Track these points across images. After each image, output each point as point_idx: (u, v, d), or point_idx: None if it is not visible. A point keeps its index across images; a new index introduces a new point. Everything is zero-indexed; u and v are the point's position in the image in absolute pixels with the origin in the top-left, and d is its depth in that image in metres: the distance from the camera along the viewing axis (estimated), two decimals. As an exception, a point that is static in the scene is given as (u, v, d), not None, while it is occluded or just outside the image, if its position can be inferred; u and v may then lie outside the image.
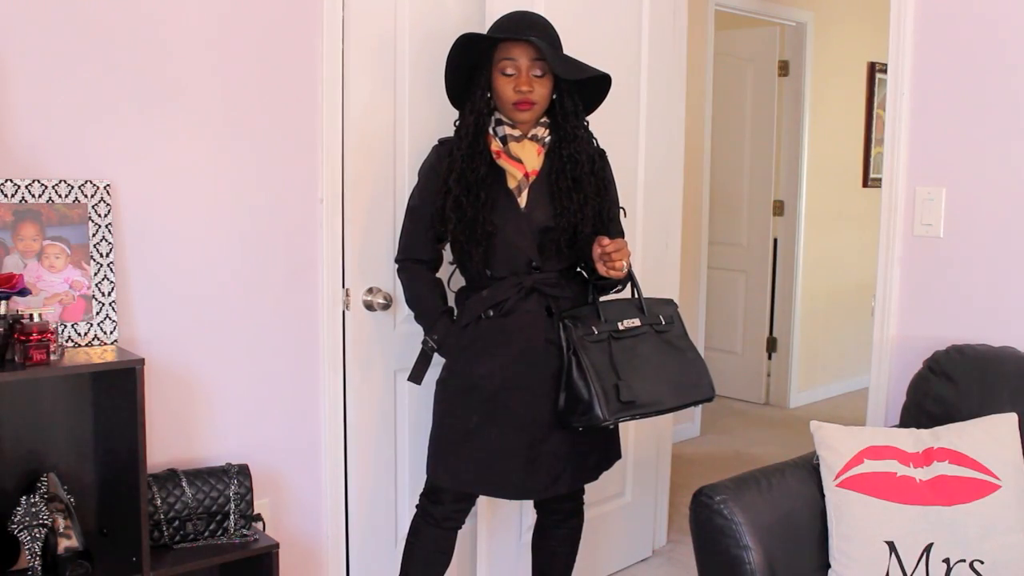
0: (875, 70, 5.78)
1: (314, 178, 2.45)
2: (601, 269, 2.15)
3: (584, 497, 2.55)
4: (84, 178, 2.08)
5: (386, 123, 2.56)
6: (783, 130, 5.53)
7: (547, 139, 2.24)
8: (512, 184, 2.22)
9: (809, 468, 2.15)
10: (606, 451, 2.39)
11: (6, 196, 1.97)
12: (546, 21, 2.25)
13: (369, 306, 2.55)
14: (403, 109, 2.57)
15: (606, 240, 2.14)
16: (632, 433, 3.26)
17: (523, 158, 2.21)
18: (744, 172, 5.64)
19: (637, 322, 2.24)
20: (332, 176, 2.46)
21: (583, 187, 2.22)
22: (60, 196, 2.04)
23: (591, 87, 2.29)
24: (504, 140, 2.22)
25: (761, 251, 5.64)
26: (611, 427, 2.27)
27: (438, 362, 2.34)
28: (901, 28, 2.58)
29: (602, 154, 2.32)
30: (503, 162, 2.21)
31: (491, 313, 2.23)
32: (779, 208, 5.60)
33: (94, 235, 2.08)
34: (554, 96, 2.24)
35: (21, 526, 1.86)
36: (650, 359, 2.22)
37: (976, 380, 2.24)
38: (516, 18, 2.22)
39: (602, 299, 2.28)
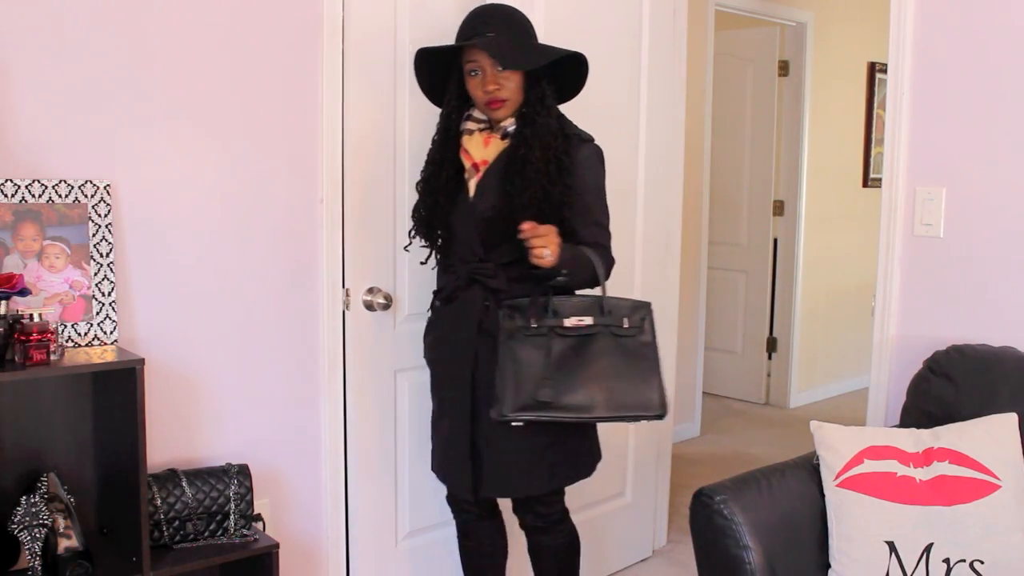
0: (875, 70, 5.79)
1: (314, 178, 2.45)
2: (530, 257, 2.07)
3: (558, 514, 2.39)
4: (84, 178, 2.08)
5: (386, 123, 2.56)
6: (783, 130, 5.53)
7: (510, 128, 2.21)
8: (466, 176, 2.24)
9: (809, 468, 2.15)
10: (568, 461, 2.28)
11: (6, 196, 1.97)
12: (508, 11, 2.23)
13: (369, 306, 2.55)
14: (403, 108, 2.57)
15: (527, 224, 2.04)
16: (632, 433, 3.26)
17: (470, 149, 2.23)
18: (744, 172, 5.65)
19: (589, 320, 2.12)
20: (332, 176, 2.46)
21: (527, 171, 2.14)
22: (60, 196, 2.04)
23: (572, 71, 2.25)
24: (462, 135, 2.25)
25: (761, 251, 5.65)
26: (514, 424, 2.11)
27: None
28: (901, 28, 2.58)
29: (568, 138, 2.20)
30: (462, 155, 2.25)
31: (438, 302, 2.32)
32: (779, 208, 5.61)
33: (94, 235, 2.08)
34: None
35: (21, 526, 1.86)
36: (593, 362, 2.10)
37: (976, 380, 2.24)
38: (475, 16, 2.22)
39: (560, 295, 2.16)
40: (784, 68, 5.50)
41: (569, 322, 2.11)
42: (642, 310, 2.17)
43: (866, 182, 5.88)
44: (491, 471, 2.25)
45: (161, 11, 2.16)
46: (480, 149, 2.22)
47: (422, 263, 2.44)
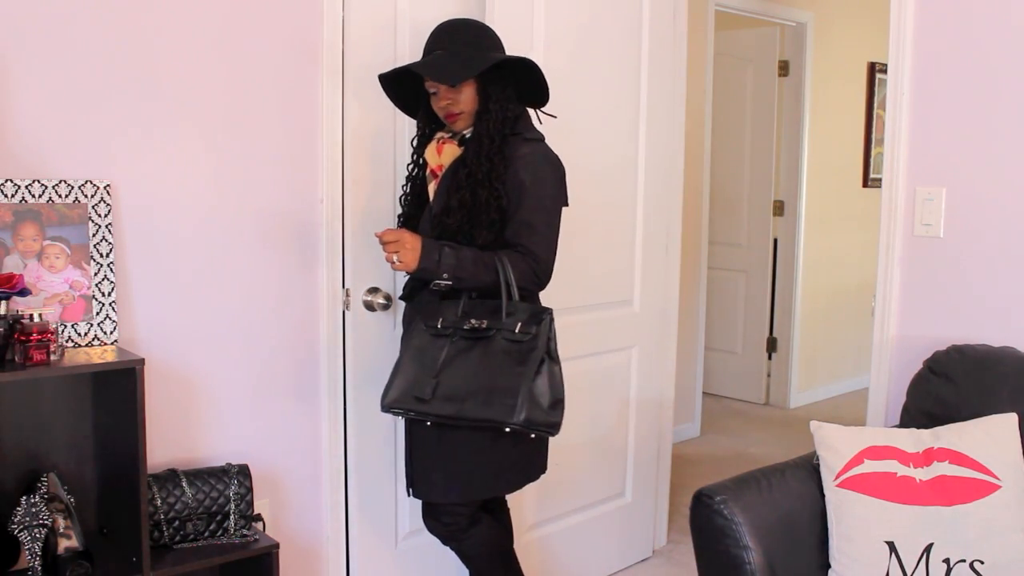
0: (875, 70, 5.79)
1: (314, 178, 2.45)
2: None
3: (462, 522, 2.31)
4: (84, 178, 2.08)
5: (386, 123, 2.56)
6: (783, 130, 5.53)
7: (467, 135, 2.24)
8: (428, 182, 2.31)
9: (809, 468, 2.15)
10: (483, 475, 2.24)
11: (6, 196, 1.97)
12: (459, 27, 2.25)
13: (369, 306, 2.55)
14: (403, 109, 2.57)
15: (379, 231, 2.13)
16: (632, 433, 3.26)
17: (427, 157, 2.30)
18: (744, 172, 5.64)
19: (485, 323, 2.12)
20: (332, 176, 2.46)
21: (459, 175, 2.18)
22: (60, 196, 2.04)
23: (532, 76, 2.24)
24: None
25: (761, 251, 5.64)
26: (402, 416, 2.15)
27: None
28: (901, 28, 2.58)
29: (505, 138, 2.18)
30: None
31: (403, 301, 2.37)
32: (779, 208, 5.61)
33: (94, 235, 2.08)
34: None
35: (21, 526, 1.86)
36: (479, 364, 2.09)
37: (976, 380, 2.24)
38: (432, 34, 2.26)
39: (482, 297, 2.17)
40: (784, 68, 5.50)
41: (469, 324, 2.12)
42: (538, 316, 2.12)
43: (866, 182, 5.88)
44: (417, 473, 2.28)
45: (162, 11, 2.16)
46: (434, 156, 2.28)
47: (406, 274, 2.46)
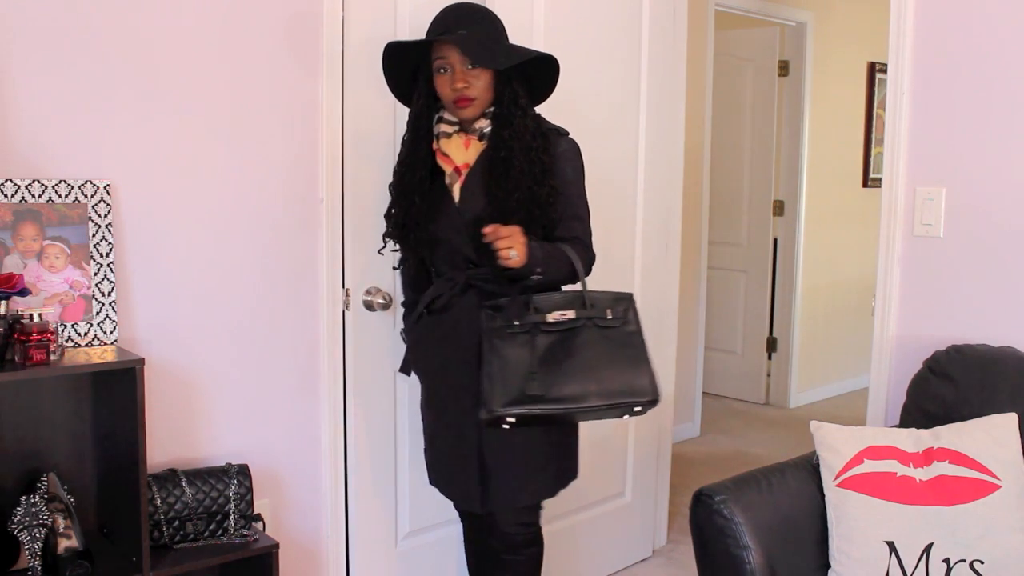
0: (875, 70, 5.79)
1: (314, 178, 2.45)
2: (498, 260, 2.05)
3: (538, 524, 2.33)
4: (84, 178, 2.08)
5: (386, 122, 2.56)
6: (783, 130, 5.53)
7: (486, 130, 2.17)
8: (448, 181, 2.20)
9: (809, 468, 2.15)
10: (566, 465, 2.28)
11: (6, 196, 1.97)
12: (481, 10, 2.19)
13: (369, 306, 2.55)
14: (403, 108, 2.55)
15: (490, 226, 2.04)
16: (632, 433, 3.26)
17: (450, 152, 2.19)
18: (744, 172, 5.65)
19: (571, 314, 2.08)
20: (332, 176, 2.46)
21: (512, 174, 2.11)
22: (60, 196, 2.04)
23: (542, 73, 2.20)
24: (438, 137, 2.21)
25: (761, 251, 5.65)
26: (504, 424, 2.06)
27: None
28: (901, 28, 2.58)
29: (545, 135, 2.17)
30: (439, 159, 2.20)
31: (426, 310, 2.26)
32: (779, 208, 5.61)
33: (94, 235, 2.08)
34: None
35: (21, 526, 1.86)
36: (579, 354, 2.07)
37: (976, 380, 2.24)
38: (447, 13, 2.17)
39: (541, 292, 2.13)
40: (784, 68, 5.51)
41: (552, 317, 2.07)
42: (624, 301, 2.14)
43: (866, 182, 5.89)
44: (498, 482, 2.21)
45: (161, 11, 2.16)
46: (461, 152, 2.18)
47: (395, 268, 2.43)
